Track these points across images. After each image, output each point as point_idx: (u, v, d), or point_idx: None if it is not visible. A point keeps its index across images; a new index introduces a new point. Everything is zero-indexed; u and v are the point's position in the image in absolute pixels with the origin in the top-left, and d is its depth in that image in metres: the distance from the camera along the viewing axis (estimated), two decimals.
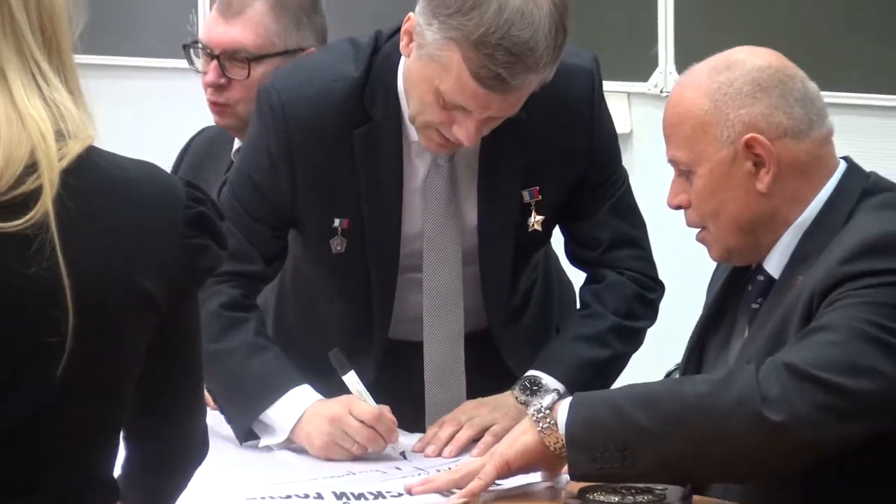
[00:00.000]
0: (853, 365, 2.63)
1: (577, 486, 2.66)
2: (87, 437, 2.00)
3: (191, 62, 3.54)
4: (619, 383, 3.19)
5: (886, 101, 4.60)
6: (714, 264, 3.05)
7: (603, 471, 2.64)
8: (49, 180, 1.90)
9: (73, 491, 1.97)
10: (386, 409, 2.95)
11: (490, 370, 3.15)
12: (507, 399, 3.05)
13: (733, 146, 2.79)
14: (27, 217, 1.89)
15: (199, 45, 3.44)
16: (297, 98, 3.04)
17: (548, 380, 3.07)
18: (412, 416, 3.13)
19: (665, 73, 4.99)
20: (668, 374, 3.38)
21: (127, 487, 2.15)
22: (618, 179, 3.20)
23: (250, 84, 3.34)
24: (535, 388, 3.04)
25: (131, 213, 1.99)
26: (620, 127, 4.47)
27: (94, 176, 1.96)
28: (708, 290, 3.03)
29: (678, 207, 2.87)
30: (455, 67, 2.84)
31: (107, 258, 1.96)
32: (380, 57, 3.03)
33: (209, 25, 3.50)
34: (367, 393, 2.96)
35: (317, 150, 3.04)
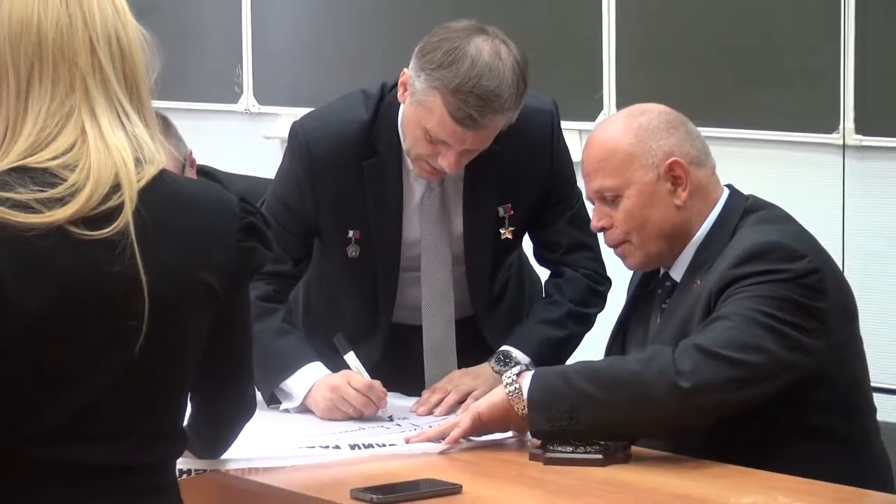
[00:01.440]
0: (746, 343, 2.61)
1: (539, 440, 2.67)
2: (160, 397, 1.98)
3: None
4: (576, 359, 3.19)
5: (773, 136, 4.61)
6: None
7: (555, 428, 2.62)
8: (129, 197, 1.89)
9: (150, 438, 1.96)
10: (377, 383, 2.92)
11: (475, 348, 3.12)
12: (485, 369, 3.03)
13: (657, 170, 2.78)
14: (112, 226, 1.88)
15: None
16: (319, 137, 3.03)
17: (517, 353, 3.05)
18: (412, 385, 3.09)
19: (608, 114, 4.81)
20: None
21: (192, 438, 2.14)
22: (573, 197, 3.16)
23: None
24: (506, 360, 3.01)
25: (194, 222, 1.98)
26: (574, 156, 4.45)
27: (165, 193, 1.94)
28: (628, 288, 3.01)
29: (601, 230, 2.84)
30: (437, 110, 2.84)
31: (175, 258, 1.94)
32: (384, 104, 3.01)
33: None
34: (363, 369, 2.94)
35: (334, 177, 3.03)
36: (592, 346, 3.21)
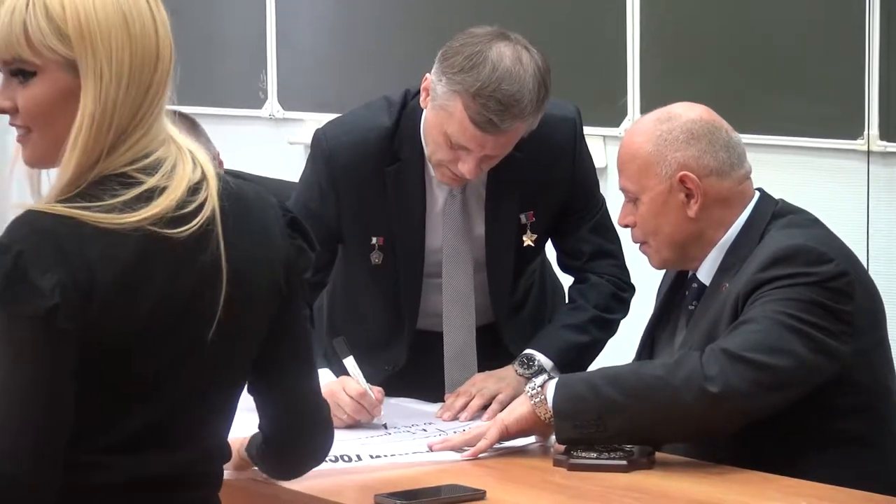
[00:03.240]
0: (773, 347, 2.61)
1: (562, 445, 2.67)
2: (224, 408, 1.97)
3: None
4: (598, 365, 3.20)
5: (798, 143, 4.58)
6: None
7: (582, 435, 2.63)
8: (213, 190, 1.88)
9: (210, 450, 1.96)
10: (377, 390, 2.90)
11: (496, 354, 3.11)
12: (508, 372, 3.02)
13: (670, 181, 2.78)
14: (202, 215, 1.87)
15: None
16: (341, 144, 3.03)
17: (540, 357, 3.04)
18: (435, 391, 3.09)
19: (632, 120, 4.73)
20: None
21: (270, 460, 2.15)
22: (596, 204, 3.16)
23: None
24: (530, 363, 3.01)
25: (258, 213, 1.96)
26: (598, 162, 4.43)
27: (232, 189, 1.93)
28: (657, 294, 3.01)
29: (626, 226, 2.86)
30: (458, 114, 2.85)
31: (250, 245, 1.93)
32: (407, 110, 3.01)
33: None
34: (361, 375, 2.90)
35: (357, 184, 3.03)
36: (619, 353, 3.21)
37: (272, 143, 5.62)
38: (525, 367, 3.02)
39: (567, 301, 3.23)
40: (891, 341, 2.83)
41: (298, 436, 2.12)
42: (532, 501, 2.52)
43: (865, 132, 4.36)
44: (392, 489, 2.46)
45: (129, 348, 1.84)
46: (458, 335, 3.13)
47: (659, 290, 2.99)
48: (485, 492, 2.47)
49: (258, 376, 2.01)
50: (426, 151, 2.98)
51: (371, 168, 3.02)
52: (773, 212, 2.80)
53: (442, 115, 2.88)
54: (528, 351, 3.06)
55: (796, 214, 2.81)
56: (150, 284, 1.84)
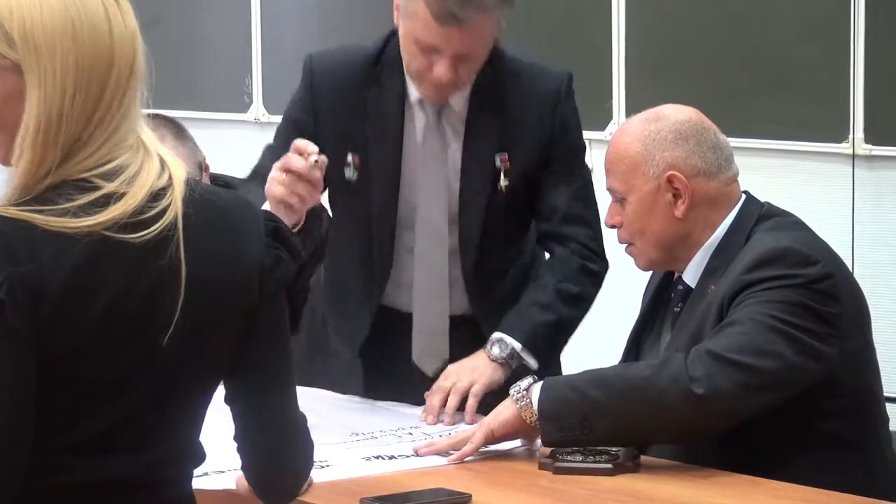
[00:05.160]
0: (759, 349, 2.64)
1: (548, 449, 2.69)
2: (192, 409, 1.96)
3: None
4: (583, 368, 3.23)
5: (783, 146, 4.67)
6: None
7: (567, 438, 2.65)
8: (178, 195, 1.88)
9: (178, 453, 1.96)
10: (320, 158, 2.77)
11: (469, 326, 3.14)
12: (480, 359, 3.01)
13: (657, 180, 2.81)
14: (156, 226, 1.87)
15: None
16: (325, 60, 3.15)
17: (509, 339, 3.03)
18: (403, 377, 3.13)
19: (618, 123, 4.92)
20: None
21: (253, 482, 2.09)
22: (578, 168, 3.17)
23: None
24: (501, 347, 3.01)
25: (228, 224, 1.97)
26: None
27: (200, 195, 1.93)
28: (643, 296, 3.03)
29: (613, 227, 2.88)
30: (421, 13, 2.91)
31: (214, 251, 1.93)
32: (392, 40, 3.08)
33: None
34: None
35: (335, 98, 3.10)
36: (606, 355, 3.22)
37: (258, 148, 5.62)
38: (498, 349, 3.02)
39: (533, 277, 3.21)
40: (876, 344, 2.85)
41: (272, 455, 2.09)
42: None
43: (850, 136, 4.46)
44: (378, 493, 2.48)
45: (83, 350, 1.85)
46: (429, 308, 3.14)
47: (645, 292, 3.01)
48: (470, 495, 2.48)
49: (227, 386, 2.01)
50: (406, 73, 3.03)
51: (351, 87, 3.08)
52: (759, 214, 2.82)
53: (409, 22, 2.94)
54: (496, 334, 3.04)
55: (782, 217, 2.84)
56: (103, 288, 1.84)
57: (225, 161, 4.28)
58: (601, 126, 4.91)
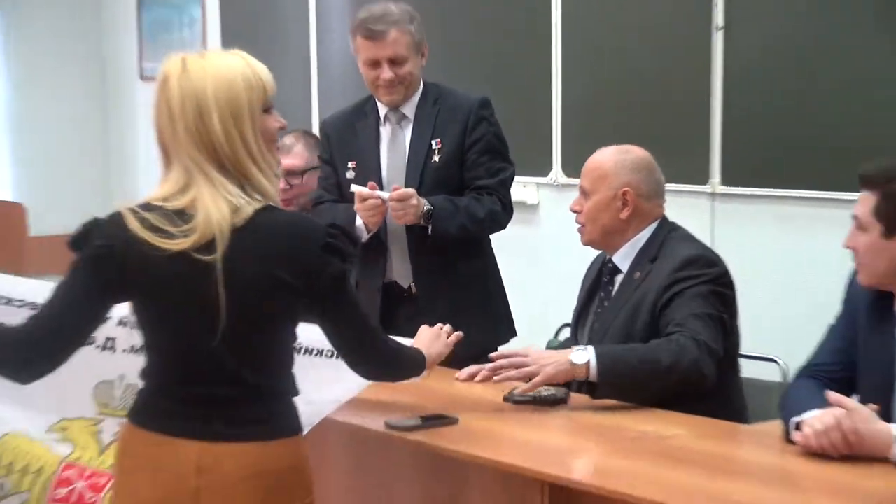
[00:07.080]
0: (716, 337, 3.10)
1: (510, 387, 3.13)
2: (254, 357, 2.38)
3: None
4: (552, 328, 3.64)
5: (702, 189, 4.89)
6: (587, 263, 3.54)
7: (603, 393, 3.06)
8: (220, 238, 2.34)
9: (256, 385, 2.38)
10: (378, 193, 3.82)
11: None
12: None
13: (615, 191, 3.30)
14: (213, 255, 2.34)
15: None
16: (330, 119, 4.18)
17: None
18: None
19: (557, 171, 5.38)
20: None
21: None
22: (497, 161, 3.95)
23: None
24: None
25: (280, 237, 2.38)
26: (531, 199, 4.93)
27: (264, 220, 2.37)
28: (581, 286, 3.51)
29: (574, 211, 3.36)
30: (360, 42, 3.92)
31: (256, 262, 2.35)
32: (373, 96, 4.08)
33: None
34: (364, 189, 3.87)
35: (339, 133, 4.08)
36: (551, 328, 3.72)
37: None
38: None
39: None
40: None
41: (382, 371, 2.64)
42: (497, 425, 2.98)
43: (711, 179, 4.81)
44: (389, 416, 2.98)
45: (148, 307, 2.37)
46: (396, 242, 3.94)
47: (585, 277, 3.54)
48: (458, 418, 2.97)
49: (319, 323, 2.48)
50: (368, 87, 3.94)
51: (348, 124, 4.06)
52: (669, 227, 3.33)
53: (358, 54, 3.90)
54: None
55: (681, 230, 3.37)
56: (174, 290, 2.35)
57: None
58: (545, 173, 5.37)
